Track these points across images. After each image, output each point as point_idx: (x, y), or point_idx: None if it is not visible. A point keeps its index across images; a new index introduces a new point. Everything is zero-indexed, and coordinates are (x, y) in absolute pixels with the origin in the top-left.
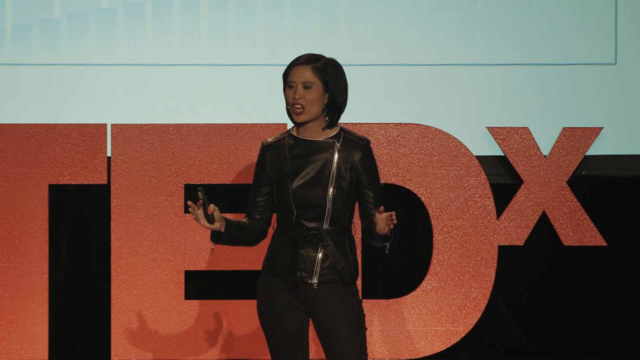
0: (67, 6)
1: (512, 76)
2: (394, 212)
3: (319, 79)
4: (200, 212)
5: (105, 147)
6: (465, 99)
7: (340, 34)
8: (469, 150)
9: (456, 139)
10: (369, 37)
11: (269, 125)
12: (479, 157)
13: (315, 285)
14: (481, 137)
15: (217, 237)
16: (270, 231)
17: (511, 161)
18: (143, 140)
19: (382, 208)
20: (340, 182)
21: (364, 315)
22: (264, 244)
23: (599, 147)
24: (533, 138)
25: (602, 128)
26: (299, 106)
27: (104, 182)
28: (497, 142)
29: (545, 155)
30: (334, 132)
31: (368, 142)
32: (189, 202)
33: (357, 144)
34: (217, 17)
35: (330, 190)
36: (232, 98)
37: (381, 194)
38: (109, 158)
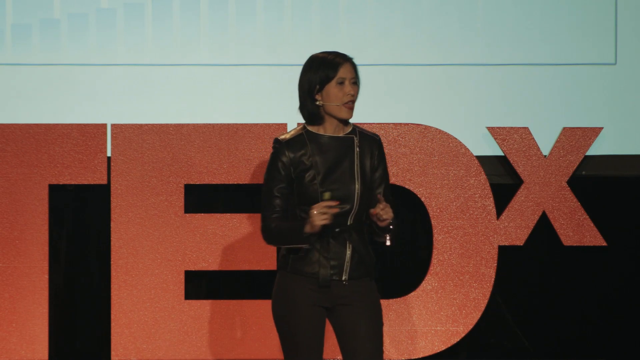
0: (67, 6)
1: (512, 76)
2: (380, 203)
3: (357, 76)
4: (327, 210)
5: (105, 147)
6: (465, 99)
7: (340, 34)
8: (469, 150)
9: (456, 139)
10: (369, 37)
11: (269, 125)
12: (479, 157)
13: (345, 282)
14: (481, 137)
15: (310, 240)
16: None
17: (511, 161)
18: (143, 140)
19: (380, 197)
20: (364, 177)
21: (381, 310)
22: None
23: (599, 147)
24: (533, 138)
25: (602, 128)
26: (352, 102)
27: (104, 182)
28: (497, 142)
29: (545, 155)
30: (349, 128)
31: (380, 137)
32: (333, 202)
33: (372, 139)
34: (217, 17)
35: (357, 186)
36: (232, 98)
37: (390, 190)
38: (109, 158)
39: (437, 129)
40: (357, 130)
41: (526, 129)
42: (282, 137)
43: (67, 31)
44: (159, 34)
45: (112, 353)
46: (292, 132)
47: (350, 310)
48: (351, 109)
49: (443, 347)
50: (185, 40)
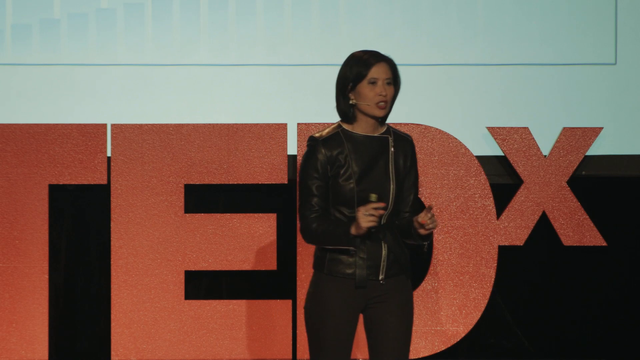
0: (67, 6)
1: (512, 76)
2: (428, 212)
3: (393, 77)
4: (374, 218)
5: (105, 147)
6: (465, 99)
7: (340, 34)
8: (469, 150)
9: (456, 139)
10: (369, 37)
11: (269, 126)
12: (479, 157)
13: (382, 281)
14: (481, 137)
15: (356, 242)
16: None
17: (511, 161)
18: (143, 140)
19: (428, 208)
20: (398, 178)
21: (413, 307)
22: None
23: (599, 147)
24: (533, 138)
25: (602, 128)
26: (383, 102)
27: (104, 182)
28: (497, 142)
29: (545, 155)
30: (384, 127)
31: (412, 138)
32: (380, 204)
33: (406, 139)
34: (217, 17)
35: (392, 186)
36: (232, 98)
37: (417, 196)
38: (109, 158)
39: (437, 129)
40: (392, 130)
41: (526, 129)
42: (318, 134)
43: (67, 31)
44: (159, 34)
45: (112, 353)
46: (327, 130)
47: (382, 307)
48: (383, 108)
49: (443, 347)
50: (185, 40)
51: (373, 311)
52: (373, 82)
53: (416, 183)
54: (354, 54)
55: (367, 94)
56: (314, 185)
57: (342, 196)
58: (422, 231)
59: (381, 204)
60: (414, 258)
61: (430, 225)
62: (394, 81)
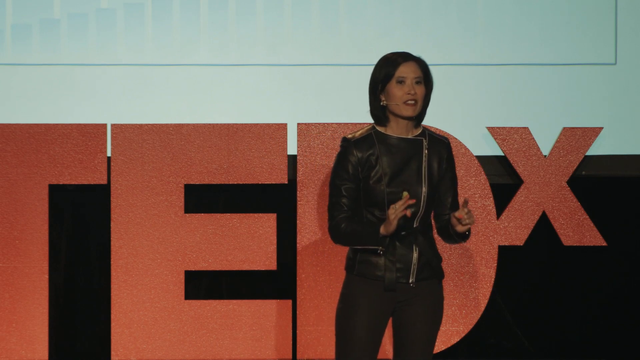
0: (67, 6)
1: (512, 76)
2: (465, 208)
3: (423, 75)
4: (400, 211)
5: (105, 147)
6: (465, 99)
7: (340, 34)
8: (469, 150)
9: (456, 139)
10: (369, 37)
11: (269, 126)
12: (479, 157)
13: (412, 284)
14: (481, 137)
15: (384, 242)
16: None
17: (511, 161)
18: (143, 140)
19: (463, 205)
20: (432, 180)
21: (442, 312)
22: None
23: (599, 147)
24: (533, 138)
25: (602, 128)
26: (412, 101)
27: (104, 182)
28: (497, 142)
29: (545, 155)
30: (419, 130)
31: (449, 140)
32: (411, 200)
33: (442, 142)
34: (217, 17)
35: (424, 189)
36: (232, 98)
37: (457, 196)
38: (109, 158)
39: (437, 129)
40: (427, 132)
41: (526, 129)
42: (350, 136)
43: (67, 31)
44: (159, 34)
45: (112, 353)
46: (361, 132)
47: (411, 310)
48: (412, 107)
49: (443, 347)
50: (185, 40)
51: (402, 313)
52: (401, 82)
53: (454, 185)
54: (385, 55)
55: (396, 94)
56: (344, 186)
57: (372, 198)
58: (459, 228)
59: (412, 201)
60: None
61: (467, 221)
62: (426, 81)
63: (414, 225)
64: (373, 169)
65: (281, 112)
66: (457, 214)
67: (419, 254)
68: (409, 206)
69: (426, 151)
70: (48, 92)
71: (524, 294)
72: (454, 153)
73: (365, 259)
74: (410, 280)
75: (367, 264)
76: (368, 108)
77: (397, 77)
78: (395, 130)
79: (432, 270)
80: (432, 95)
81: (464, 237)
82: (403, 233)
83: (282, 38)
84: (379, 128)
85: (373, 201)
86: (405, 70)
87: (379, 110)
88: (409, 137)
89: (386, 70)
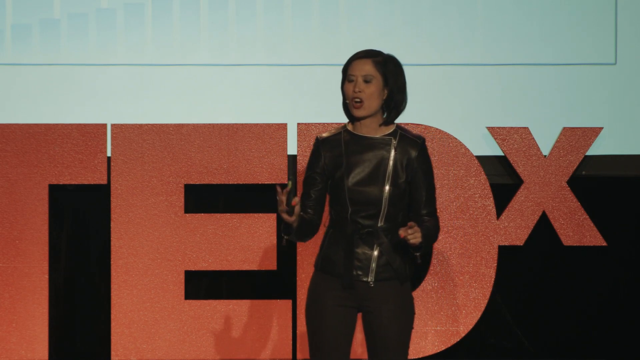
0: (67, 6)
1: (512, 76)
2: (409, 227)
3: (379, 74)
4: (284, 200)
5: (105, 147)
6: (465, 99)
7: (340, 34)
8: (469, 150)
9: (456, 139)
10: (369, 37)
11: (269, 126)
12: (479, 157)
13: (371, 283)
14: (481, 137)
15: (288, 231)
16: (322, 228)
17: (511, 161)
18: (143, 140)
19: (410, 223)
20: (396, 180)
21: (414, 314)
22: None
23: (599, 147)
24: (533, 138)
25: (602, 128)
26: (358, 100)
27: (104, 182)
28: (497, 142)
29: (545, 155)
30: (390, 129)
31: (424, 140)
32: (278, 188)
33: (414, 142)
34: (217, 17)
35: (387, 188)
36: (232, 98)
37: (433, 196)
38: (109, 158)
39: (437, 129)
40: (399, 132)
41: (526, 129)
42: (321, 135)
43: (67, 31)
44: (159, 34)
45: (112, 353)
46: (332, 131)
47: (378, 314)
48: (359, 107)
49: (443, 347)
50: (185, 40)
51: (370, 316)
52: (351, 80)
53: (428, 184)
54: None
55: (346, 92)
56: (308, 183)
57: (336, 196)
58: (409, 243)
59: (287, 188)
60: (414, 258)
61: (412, 241)
62: (386, 80)
63: (378, 224)
64: (339, 167)
65: (281, 112)
66: (401, 231)
67: (379, 253)
68: (362, 208)
69: (393, 150)
70: (48, 92)
71: (524, 294)
72: (453, 153)
73: (327, 255)
74: (369, 279)
75: (329, 261)
76: None
77: (348, 76)
78: (363, 129)
79: (394, 271)
80: (432, 95)
81: (417, 250)
82: (366, 231)
83: (282, 38)
84: (349, 127)
85: (337, 199)
86: (354, 68)
87: (343, 107)
88: (377, 136)
89: (343, 68)
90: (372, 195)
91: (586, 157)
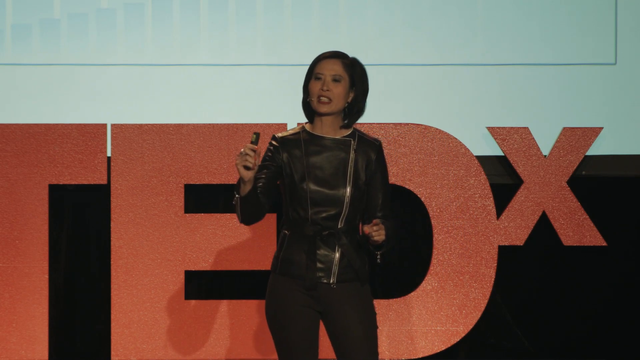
0: (67, 6)
1: (512, 76)
2: (374, 224)
3: (348, 75)
4: (249, 151)
5: (105, 147)
6: (465, 99)
7: (340, 34)
8: (469, 150)
9: (456, 139)
10: (369, 37)
11: (269, 126)
12: (479, 157)
13: (333, 285)
14: (481, 137)
15: (240, 190)
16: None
17: (511, 161)
18: (143, 140)
19: (375, 221)
20: (357, 181)
21: (375, 314)
22: (267, 243)
23: (599, 147)
24: (533, 138)
25: (602, 128)
26: (325, 98)
27: (104, 182)
28: (497, 142)
29: (545, 155)
30: (349, 131)
31: (381, 142)
32: (248, 145)
33: (372, 144)
34: (217, 17)
35: (349, 189)
36: (232, 98)
37: (389, 196)
38: (109, 158)
39: (437, 129)
40: (357, 133)
41: (526, 129)
42: (279, 134)
43: (67, 31)
44: (159, 34)
45: (112, 353)
46: (290, 131)
47: (342, 315)
48: (325, 104)
49: (443, 347)
50: (185, 40)
51: (333, 319)
52: (318, 78)
53: (384, 187)
54: None
55: (312, 89)
56: (263, 168)
57: (296, 196)
58: (371, 241)
59: (255, 147)
60: (414, 258)
61: (375, 238)
62: (353, 82)
63: (339, 226)
64: (298, 168)
65: (281, 112)
66: (365, 228)
67: (341, 254)
68: (323, 210)
69: (353, 152)
70: (48, 92)
71: (524, 294)
72: (453, 153)
73: (287, 257)
74: (331, 281)
75: (289, 263)
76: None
77: (316, 74)
78: (323, 129)
79: (355, 272)
80: (432, 95)
81: (378, 248)
82: (326, 233)
83: (282, 38)
84: (307, 127)
85: (297, 200)
86: (323, 67)
87: (305, 107)
88: (337, 137)
89: (310, 66)
90: (334, 196)
91: (586, 157)
